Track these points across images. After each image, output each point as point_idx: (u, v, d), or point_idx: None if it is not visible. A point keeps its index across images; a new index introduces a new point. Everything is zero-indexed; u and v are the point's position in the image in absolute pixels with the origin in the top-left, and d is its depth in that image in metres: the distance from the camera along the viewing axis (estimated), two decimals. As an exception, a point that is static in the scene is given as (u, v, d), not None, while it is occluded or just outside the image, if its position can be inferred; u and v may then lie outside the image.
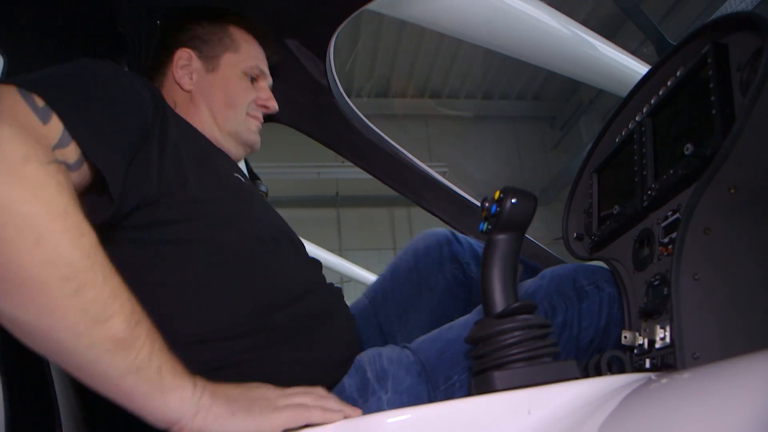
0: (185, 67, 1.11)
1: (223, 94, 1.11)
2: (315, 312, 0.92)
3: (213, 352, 0.81)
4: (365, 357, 0.92)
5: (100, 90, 0.74)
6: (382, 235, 7.22)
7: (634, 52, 1.90)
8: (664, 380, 0.60)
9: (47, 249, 0.53)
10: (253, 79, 1.15)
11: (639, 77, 1.04)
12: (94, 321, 0.55)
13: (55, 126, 0.63)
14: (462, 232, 1.53)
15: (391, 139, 1.56)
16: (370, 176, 1.57)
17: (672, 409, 0.51)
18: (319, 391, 0.75)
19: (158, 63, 1.14)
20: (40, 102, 0.63)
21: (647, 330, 0.81)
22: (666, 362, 0.76)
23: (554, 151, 7.50)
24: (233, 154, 1.12)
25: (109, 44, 1.32)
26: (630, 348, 0.86)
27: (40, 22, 0.98)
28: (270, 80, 1.20)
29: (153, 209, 0.80)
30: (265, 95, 1.16)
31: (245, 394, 0.68)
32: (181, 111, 1.07)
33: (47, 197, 0.54)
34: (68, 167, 0.63)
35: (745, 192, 0.75)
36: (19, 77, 0.65)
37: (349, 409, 0.72)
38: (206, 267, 0.84)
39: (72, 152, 0.65)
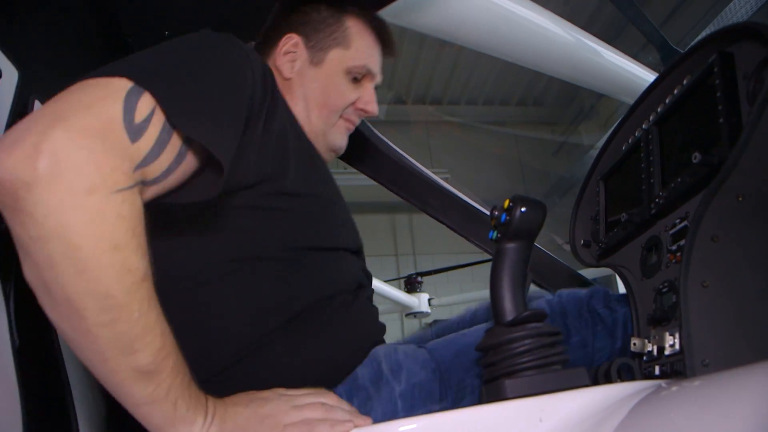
0: (290, 53, 1.06)
1: (322, 91, 1.05)
2: (337, 308, 0.91)
3: (241, 339, 0.82)
4: (381, 350, 0.93)
5: (209, 75, 0.71)
6: (383, 242, 7.22)
7: (636, 57, 1.91)
8: (674, 388, 0.61)
9: (89, 281, 0.54)
10: (357, 78, 1.08)
11: (643, 83, 1.05)
12: (121, 352, 0.57)
13: (147, 140, 0.61)
14: (467, 239, 1.54)
15: (393, 144, 1.57)
16: (371, 183, 1.57)
17: (682, 416, 0.52)
18: (330, 398, 0.75)
19: (266, 41, 1.09)
20: (144, 108, 0.61)
21: (656, 337, 0.81)
22: (675, 369, 0.76)
23: (555, 157, 7.50)
24: (321, 151, 1.08)
25: (119, 53, 1.33)
26: (639, 355, 0.86)
27: (51, 35, 0.99)
28: (379, 79, 1.13)
29: (248, 194, 0.80)
30: (367, 97, 1.09)
31: (254, 413, 0.69)
32: (280, 88, 0.99)
33: (101, 231, 0.55)
34: (146, 184, 0.62)
35: (752, 200, 0.75)
36: (125, 65, 0.63)
37: (359, 419, 0.73)
38: (265, 260, 0.84)
39: (159, 166, 0.63)
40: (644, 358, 0.84)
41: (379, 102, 1.13)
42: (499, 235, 0.79)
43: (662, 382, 0.67)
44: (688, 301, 0.75)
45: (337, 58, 1.06)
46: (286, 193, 0.84)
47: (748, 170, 0.73)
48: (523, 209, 0.76)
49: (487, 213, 1.40)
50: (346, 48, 1.07)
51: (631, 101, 1.10)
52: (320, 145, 1.07)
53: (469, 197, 1.55)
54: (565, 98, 7.13)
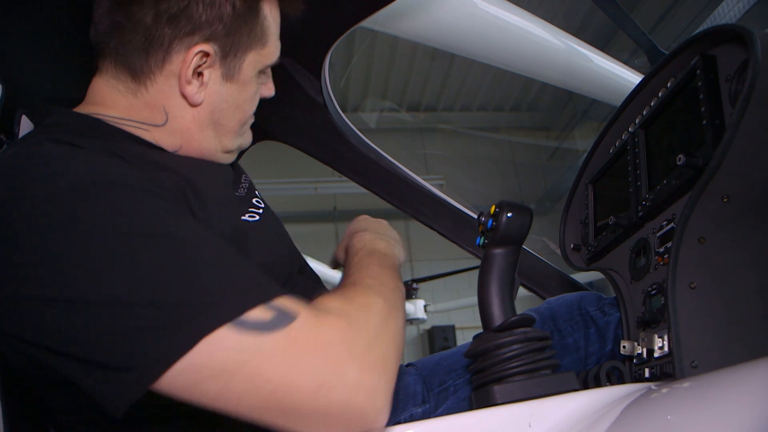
0: (201, 75, 0.79)
1: (235, 109, 0.85)
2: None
3: None
4: None
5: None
6: (380, 249, 7.22)
7: (626, 62, 1.92)
8: (663, 390, 0.60)
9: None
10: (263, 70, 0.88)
11: (632, 87, 1.05)
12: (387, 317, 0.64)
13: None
14: (460, 246, 1.54)
15: (387, 152, 1.57)
16: (365, 190, 1.58)
17: (673, 418, 0.51)
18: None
19: (154, 47, 0.76)
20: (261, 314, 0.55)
21: (645, 339, 0.81)
22: (665, 371, 0.76)
23: (550, 161, 7.52)
24: (227, 161, 0.92)
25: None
26: (629, 358, 0.86)
27: (36, 48, 0.99)
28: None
29: None
30: (269, 83, 0.92)
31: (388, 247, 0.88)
32: (174, 123, 0.81)
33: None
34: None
35: (737, 201, 0.75)
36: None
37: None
38: None
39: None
40: (634, 360, 0.84)
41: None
42: (486, 241, 0.79)
43: (652, 385, 0.67)
44: (676, 303, 0.75)
45: (252, 62, 0.84)
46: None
47: (732, 171, 0.73)
48: (509, 214, 0.76)
49: (479, 219, 1.40)
50: (263, 46, 0.84)
51: (621, 105, 1.10)
52: (232, 156, 0.92)
53: (461, 204, 1.55)
54: (558, 103, 7.16)
